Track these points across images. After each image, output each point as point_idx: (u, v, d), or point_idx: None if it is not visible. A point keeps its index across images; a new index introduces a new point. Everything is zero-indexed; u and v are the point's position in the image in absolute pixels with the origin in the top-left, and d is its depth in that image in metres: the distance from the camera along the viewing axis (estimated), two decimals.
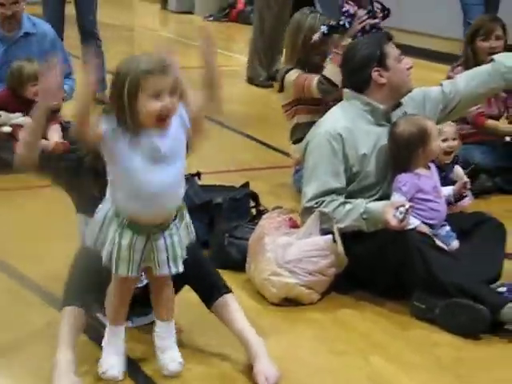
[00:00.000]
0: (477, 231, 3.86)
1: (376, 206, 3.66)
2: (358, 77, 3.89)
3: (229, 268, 3.92)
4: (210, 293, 3.15)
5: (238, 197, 4.40)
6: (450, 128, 4.43)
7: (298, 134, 5.07)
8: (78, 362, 3.01)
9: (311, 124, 4.20)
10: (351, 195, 3.81)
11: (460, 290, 3.45)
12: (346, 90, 3.98)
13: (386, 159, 3.83)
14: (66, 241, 3.59)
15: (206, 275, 3.23)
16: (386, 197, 3.77)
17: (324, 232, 3.73)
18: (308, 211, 3.80)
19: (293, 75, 4.99)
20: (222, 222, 4.14)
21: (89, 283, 3.09)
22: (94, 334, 3.22)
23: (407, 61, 3.95)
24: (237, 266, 3.92)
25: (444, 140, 4.31)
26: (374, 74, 3.85)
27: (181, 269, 2.94)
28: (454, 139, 4.44)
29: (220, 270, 3.89)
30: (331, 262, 3.68)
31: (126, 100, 2.72)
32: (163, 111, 2.74)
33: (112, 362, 2.99)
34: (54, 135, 5.22)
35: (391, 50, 3.89)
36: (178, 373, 3.03)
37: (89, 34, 7.23)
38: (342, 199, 3.75)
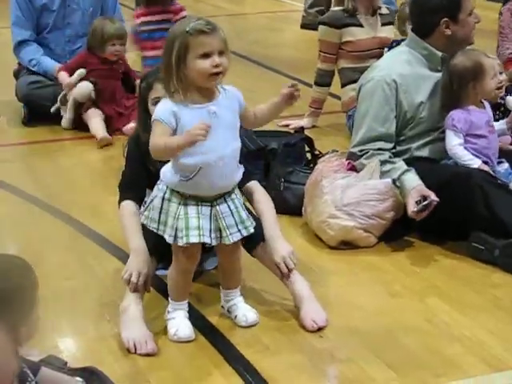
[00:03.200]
0: None
1: (409, 181, 3.62)
2: (424, 21, 3.83)
3: (285, 213, 3.94)
4: (251, 238, 3.06)
5: (293, 142, 4.39)
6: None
7: (344, 79, 5.14)
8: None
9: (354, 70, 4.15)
10: (404, 141, 3.81)
11: None
12: (409, 33, 3.95)
13: (441, 103, 3.79)
14: None
15: None
16: (439, 140, 3.76)
17: None
18: (353, 156, 3.81)
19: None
20: (278, 167, 4.13)
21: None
22: (161, 285, 3.23)
23: (477, 15, 3.88)
24: (293, 210, 3.94)
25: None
26: (442, 26, 3.78)
27: (251, 230, 2.94)
28: (500, 73, 4.34)
29: (277, 215, 3.89)
30: (390, 205, 3.67)
31: (174, 62, 2.70)
32: (214, 69, 2.71)
33: (179, 322, 2.96)
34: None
35: (467, 4, 3.80)
36: (256, 322, 3.05)
37: None
38: (385, 156, 3.73)
